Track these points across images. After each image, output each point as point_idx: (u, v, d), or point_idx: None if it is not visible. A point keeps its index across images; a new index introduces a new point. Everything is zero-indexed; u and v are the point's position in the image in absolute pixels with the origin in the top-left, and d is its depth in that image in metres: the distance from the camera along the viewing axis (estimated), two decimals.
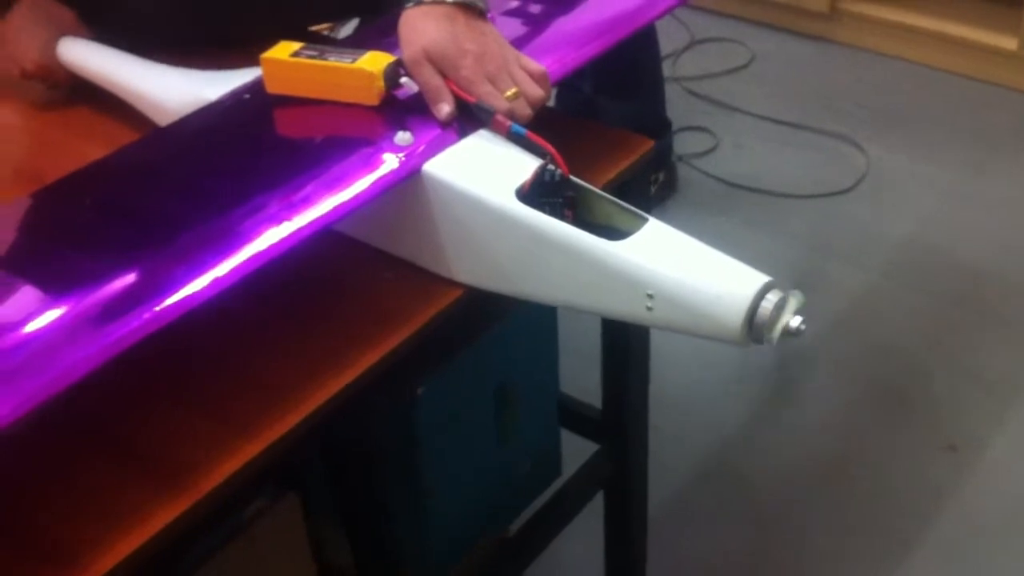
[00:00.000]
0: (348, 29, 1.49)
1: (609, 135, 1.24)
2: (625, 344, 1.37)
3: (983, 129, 2.67)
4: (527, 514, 1.41)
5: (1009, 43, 2.73)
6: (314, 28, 1.44)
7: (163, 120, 1.16)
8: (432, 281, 1.04)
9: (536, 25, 1.19)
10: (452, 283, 1.03)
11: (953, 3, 2.87)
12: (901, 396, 2.01)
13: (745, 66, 2.93)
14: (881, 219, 2.39)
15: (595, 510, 1.50)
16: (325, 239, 0.94)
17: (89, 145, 1.14)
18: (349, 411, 0.97)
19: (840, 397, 2.01)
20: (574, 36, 1.18)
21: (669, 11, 1.29)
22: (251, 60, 1.09)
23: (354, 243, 1.06)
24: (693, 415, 1.97)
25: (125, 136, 1.17)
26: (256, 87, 1.10)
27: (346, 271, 1.05)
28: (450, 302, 1.02)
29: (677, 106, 2.65)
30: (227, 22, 1.33)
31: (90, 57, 1.27)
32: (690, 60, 2.94)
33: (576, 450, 1.44)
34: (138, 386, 0.91)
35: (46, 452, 0.87)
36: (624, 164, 1.17)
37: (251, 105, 1.08)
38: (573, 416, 1.46)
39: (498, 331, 1.20)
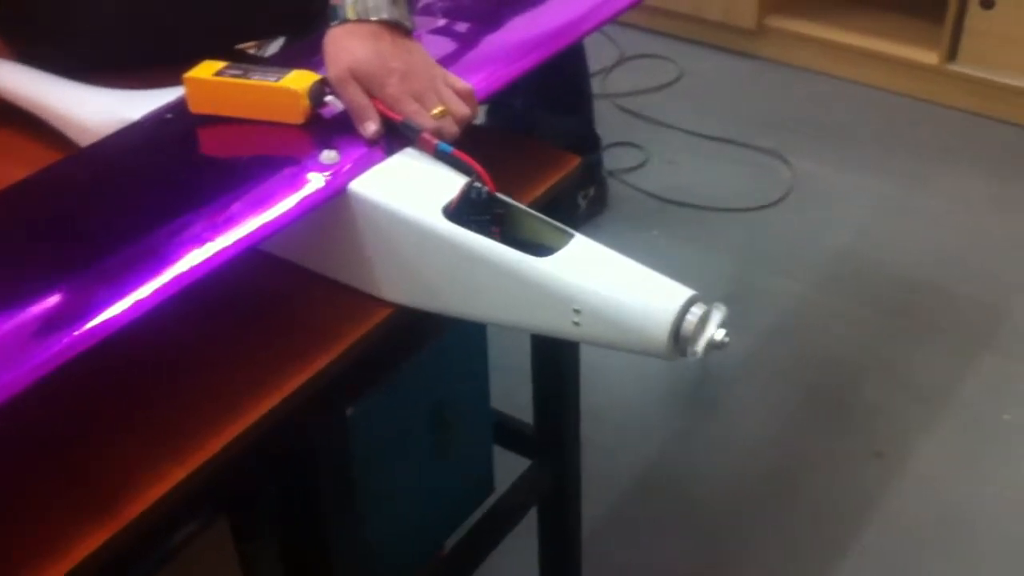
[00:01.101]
0: (275, 47, 1.48)
1: (537, 152, 1.25)
2: (556, 358, 1.38)
3: (908, 142, 2.72)
4: (461, 531, 1.41)
5: (930, 58, 2.80)
6: (240, 46, 1.44)
7: (85, 141, 1.15)
8: (362, 300, 1.03)
9: (463, 43, 1.19)
10: (381, 302, 1.03)
11: (876, 20, 2.94)
12: (834, 405, 2.03)
13: (674, 82, 2.96)
14: (811, 231, 2.43)
15: (529, 526, 1.50)
16: (254, 259, 0.93)
17: (10, 166, 1.12)
18: (279, 433, 0.96)
19: (773, 407, 2.03)
20: (501, 54, 1.18)
21: (596, 29, 1.30)
22: (179, 79, 1.09)
23: (283, 263, 1.06)
24: (627, 428, 1.98)
25: (46, 157, 1.14)
26: (179, 107, 1.09)
27: (275, 292, 1.04)
28: (379, 321, 1.02)
29: (607, 122, 2.67)
30: (162, 40, 1.32)
31: (10, 78, 1.26)
32: (620, 76, 2.97)
33: (506, 466, 1.44)
34: (67, 406, 0.90)
35: None
36: (552, 181, 1.18)
37: (174, 125, 1.07)
38: (505, 432, 1.46)
39: (431, 350, 1.20)
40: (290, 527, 1.16)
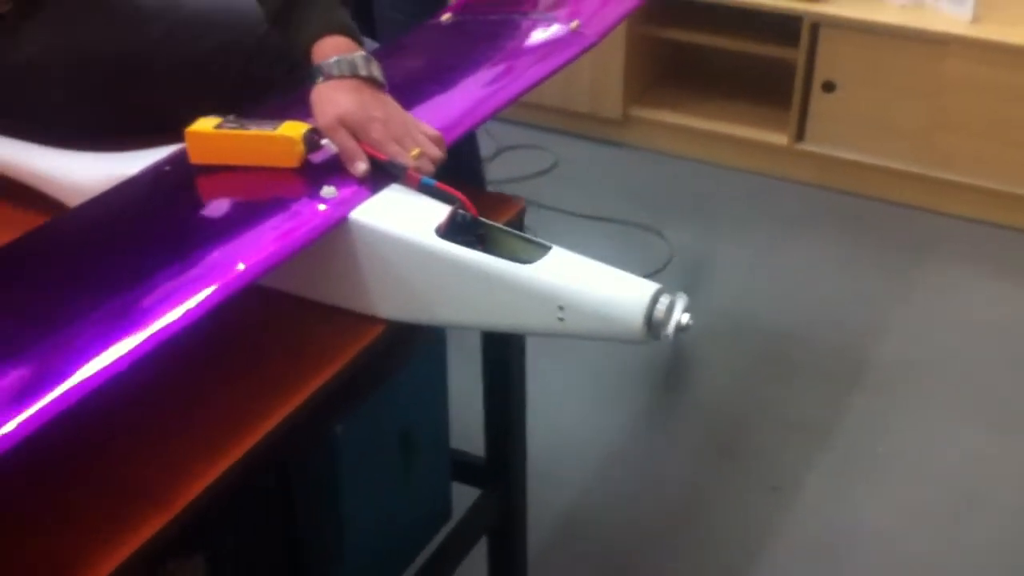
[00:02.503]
0: None
1: (482, 197, 1.39)
2: (505, 397, 1.51)
3: (766, 214, 2.98)
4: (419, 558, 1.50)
5: (781, 139, 3.08)
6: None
7: (78, 200, 1.23)
8: (354, 320, 1.15)
9: (422, 98, 1.34)
10: (372, 320, 1.15)
11: (730, 106, 3.21)
12: (727, 446, 2.21)
13: (550, 169, 3.16)
14: (693, 294, 2.61)
15: (477, 554, 1.61)
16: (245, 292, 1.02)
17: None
18: (276, 451, 1.05)
19: (676, 451, 2.19)
20: (455, 108, 1.34)
21: (524, 94, 1.46)
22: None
23: (273, 293, 1.16)
24: (549, 475, 2.10)
25: (30, 220, 1.19)
26: (175, 159, 1.20)
27: (268, 318, 1.15)
28: (376, 336, 1.14)
29: None
30: (110, 123, 1.42)
31: None
32: (498, 166, 3.15)
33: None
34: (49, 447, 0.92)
35: None
36: (503, 220, 1.33)
37: (175, 175, 1.18)
38: (456, 463, 1.58)
39: (402, 375, 1.32)
40: (269, 563, 1.24)
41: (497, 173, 3.11)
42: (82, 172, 1.26)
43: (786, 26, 2.97)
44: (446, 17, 1.61)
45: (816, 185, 3.07)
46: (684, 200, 3.03)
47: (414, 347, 1.27)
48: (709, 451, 2.19)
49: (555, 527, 1.99)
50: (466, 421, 1.58)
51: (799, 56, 2.96)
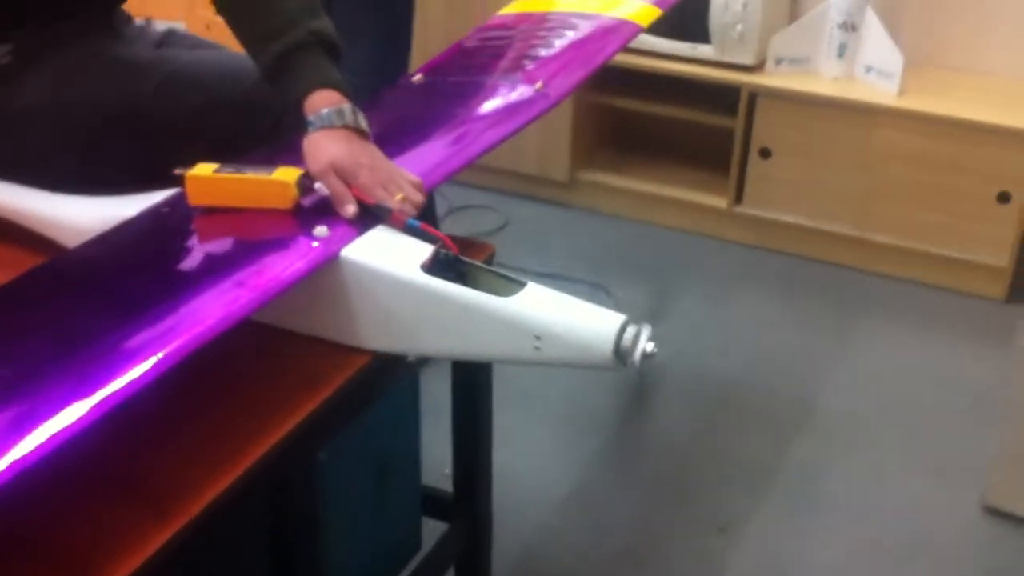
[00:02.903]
0: None
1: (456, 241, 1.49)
2: (475, 435, 1.60)
3: (708, 272, 3.11)
4: None
5: (720, 203, 3.22)
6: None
7: (76, 242, 1.31)
8: (339, 351, 1.24)
9: (402, 147, 1.44)
10: (357, 351, 1.24)
11: (673, 171, 3.36)
12: (677, 489, 2.30)
13: (501, 229, 3.28)
14: None
15: None
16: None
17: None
18: (266, 478, 1.12)
19: (628, 492, 2.28)
20: (431, 158, 1.44)
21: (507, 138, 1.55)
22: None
23: (262, 327, 1.25)
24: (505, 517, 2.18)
25: (26, 260, 1.26)
26: (173, 202, 1.29)
27: (257, 350, 1.23)
28: (360, 366, 1.23)
29: None
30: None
31: None
32: (451, 224, 3.25)
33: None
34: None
35: None
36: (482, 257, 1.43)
37: (174, 215, 1.27)
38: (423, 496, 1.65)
39: (378, 408, 1.40)
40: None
41: (450, 231, 3.18)
42: (81, 214, 1.34)
43: (725, 96, 3.13)
44: (417, 78, 1.72)
45: (754, 246, 3.22)
46: (630, 259, 3.16)
47: (393, 378, 1.35)
48: (659, 493, 2.29)
49: (514, 564, 2.06)
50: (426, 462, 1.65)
51: (737, 124, 3.11)
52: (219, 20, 1.41)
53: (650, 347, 1.14)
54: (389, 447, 1.44)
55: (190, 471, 1.08)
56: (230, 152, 1.38)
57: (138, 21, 1.72)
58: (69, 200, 1.38)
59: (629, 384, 2.63)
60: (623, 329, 1.14)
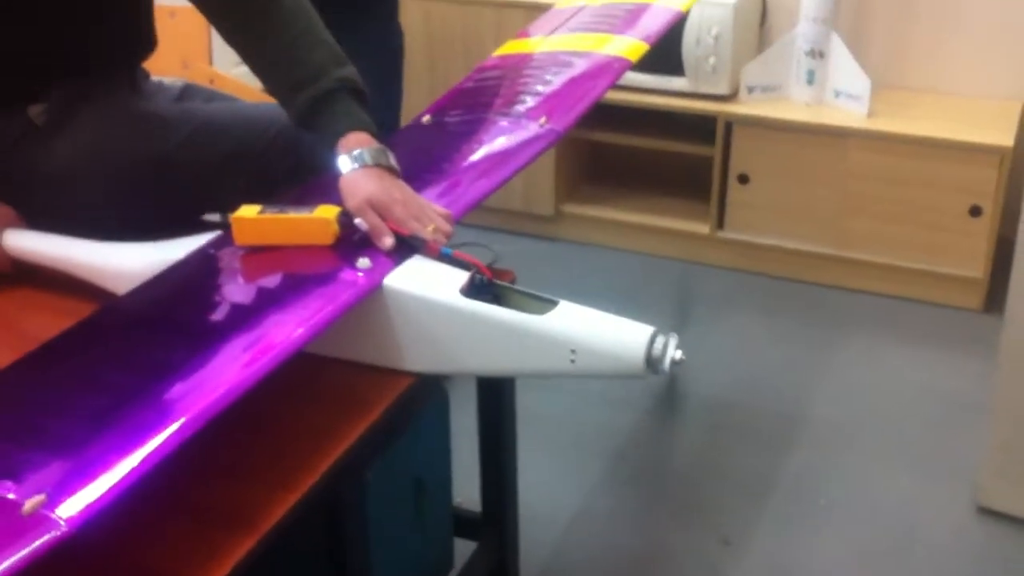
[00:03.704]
0: None
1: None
2: (499, 458, 1.68)
3: (694, 297, 3.21)
4: None
5: (703, 229, 3.33)
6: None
7: (125, 287, 1.38)
8: (383, 375, 1.32)
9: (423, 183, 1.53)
10: (401, 373, 1.32)
11: (654, 201, 3.47)
12: (679, 504, 2.39)
13: (490, 265, 3.34)
14: None
15: None
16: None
17: (49, 318, 1.32)
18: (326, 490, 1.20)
19: (631, 510, 2.37)
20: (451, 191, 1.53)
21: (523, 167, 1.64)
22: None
23: (308, 356, 1.32)
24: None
25: (78, 307, 1.34)
26: (218, 243, 1.37)
27: (303, 376, 1.30)
28: (406, 387, 1.31)
29: None
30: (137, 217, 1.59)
31: (39, 244, 1.49)
32: None
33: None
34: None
35: None
36: None
37: (222, 256, 1.35)
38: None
39: (415, 429, 1.48)
40: None
41: None
42: (128, 261, 1.41)
43: (702, 126, 3.25)
44: (426, 119, 1.81)
45: (738, 269, 3.32)
46: (618, 287, 3.25)
47: (430, 401, 1.44)
48: (662, 510, 2.37)
49: None
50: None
51: (715, 152, 3.23)
52: (220, 73, 1.49)
53: (679, 355, 1.23)
54: (424, 468, 1.52)
55: (255, 494, 1.16)
56: (256, 196, 1.46)
57: (154, 78, 1.81)
58: (116, 247, 1.45)
59: (615, 401, 2.72)
60: (653, 339, 1.22)
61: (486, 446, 1.68)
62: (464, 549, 1.74)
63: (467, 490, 1.76)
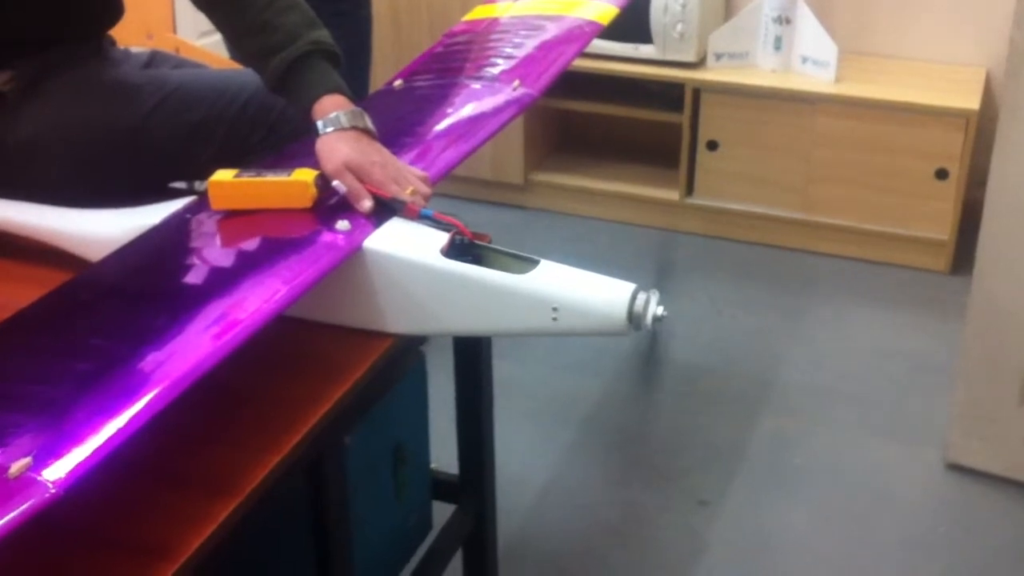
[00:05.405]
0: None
1: None
2: (478, 423, 1.68)
3: (662, 263, 3.23)
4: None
5: (672, 195, 3.34)
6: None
7: (100, 253, 1.36)
8: (362, 337, 1.32)
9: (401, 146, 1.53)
10: (380, 335, 1.32)
11: (624, 168, 3.48)
12: (655, 469, 2.40)
13: None
14: (605, 340, 2.84)
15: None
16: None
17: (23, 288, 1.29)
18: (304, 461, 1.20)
19: (607, 475, 2.38)
20: (428, 153, 1.53)
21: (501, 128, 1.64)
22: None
23: (285, 319, 1.31)
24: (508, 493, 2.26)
25: (53, 276, 1.31)
26: (194, 208, 1.36)
27: (283, 339, 1.30)
28: (383, 351, 1.31)
29: None
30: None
31: (9, 211, 1.47)
32: None
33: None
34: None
35: None
36: None
37: (199, 220, 1.34)
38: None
39: (393, 394, 1.48)
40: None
41: None
42: (102, 227, 1.40)
43: (670, 93, 3.26)
44: (398, 83, 1.80)
45: (707, 235, 3.35)
46: (587, 255, 3.26)
47: (409, 364, 1.44)
48: (637, 475, 2.39)
49: (510, 544, 2.15)
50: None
51: (684, 119, 3.24)
52: (187, 42, 1.47)
53: (660, 311, 1.23)
54: (403, 432, 1.52)
55: (236, 459, 1.15)
56: (229, 163, 1.45)
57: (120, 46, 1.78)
58: (89, 214, 1.43)
59: (578, 369, 2.73)
60: (635, 296, 1.23)
61: (463, 409, 1.68)
62: (442, 512, 1.75)
63: (443, 456, 1.77)
